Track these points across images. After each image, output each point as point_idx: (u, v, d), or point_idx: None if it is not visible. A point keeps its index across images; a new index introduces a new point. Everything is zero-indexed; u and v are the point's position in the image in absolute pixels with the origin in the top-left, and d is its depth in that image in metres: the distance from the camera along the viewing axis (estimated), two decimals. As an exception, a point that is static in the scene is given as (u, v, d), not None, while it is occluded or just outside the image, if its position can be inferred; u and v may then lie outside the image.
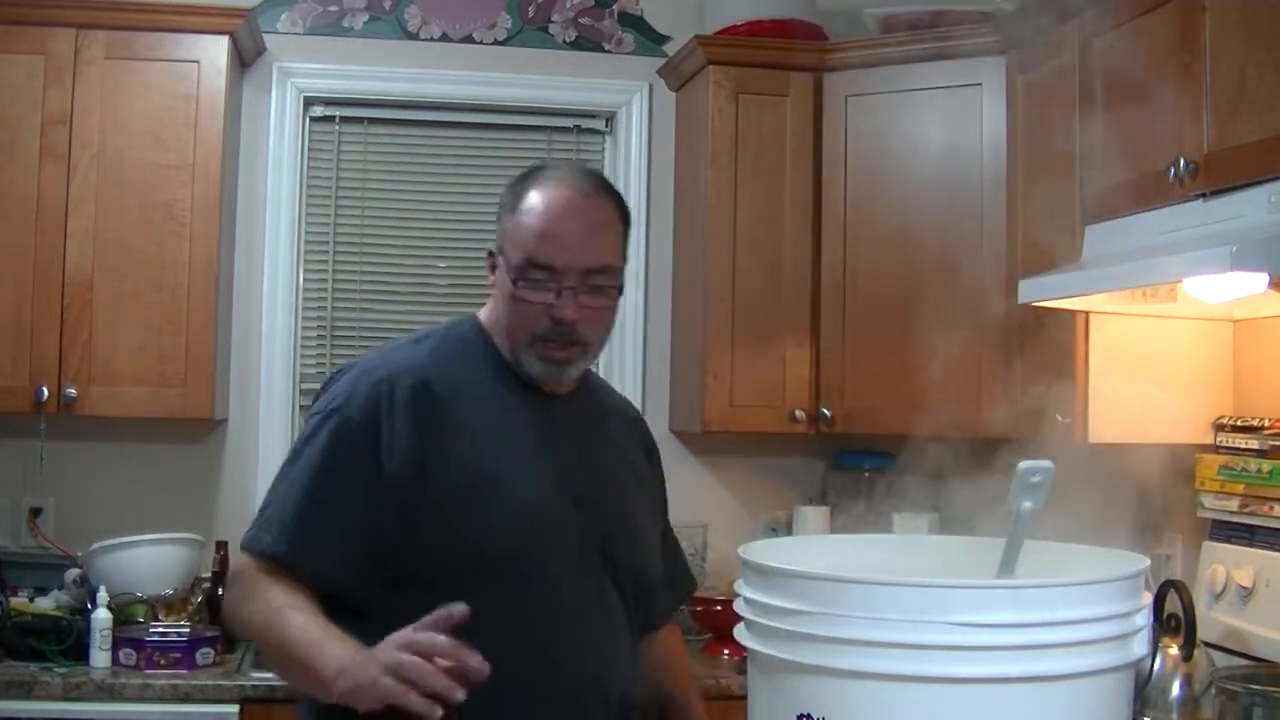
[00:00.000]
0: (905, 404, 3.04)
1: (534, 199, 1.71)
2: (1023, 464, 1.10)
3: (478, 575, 1.61)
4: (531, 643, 1.63)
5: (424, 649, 1.38)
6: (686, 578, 2.03)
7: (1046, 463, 1.10)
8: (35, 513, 3.47)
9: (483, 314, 1.83)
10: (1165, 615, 2.39)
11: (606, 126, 3.87)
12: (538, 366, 1.72)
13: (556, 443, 1.76)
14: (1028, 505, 1.12)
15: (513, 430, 1.73)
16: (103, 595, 3.06)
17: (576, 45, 3.83)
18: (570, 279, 1.67)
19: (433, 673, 1.36)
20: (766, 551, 1.14)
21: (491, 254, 1.78)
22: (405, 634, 1.41)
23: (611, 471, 1.83)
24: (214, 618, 3.28)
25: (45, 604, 3.15)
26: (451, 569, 1.62)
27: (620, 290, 1.74)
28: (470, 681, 1.36)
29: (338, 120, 3.77)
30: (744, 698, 1.18)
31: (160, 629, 3.04)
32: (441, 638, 1.38)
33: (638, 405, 2.73)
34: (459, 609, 1.39)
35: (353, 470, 1.64)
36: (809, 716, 1.03)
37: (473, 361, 1.77)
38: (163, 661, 2.99)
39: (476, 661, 1.36)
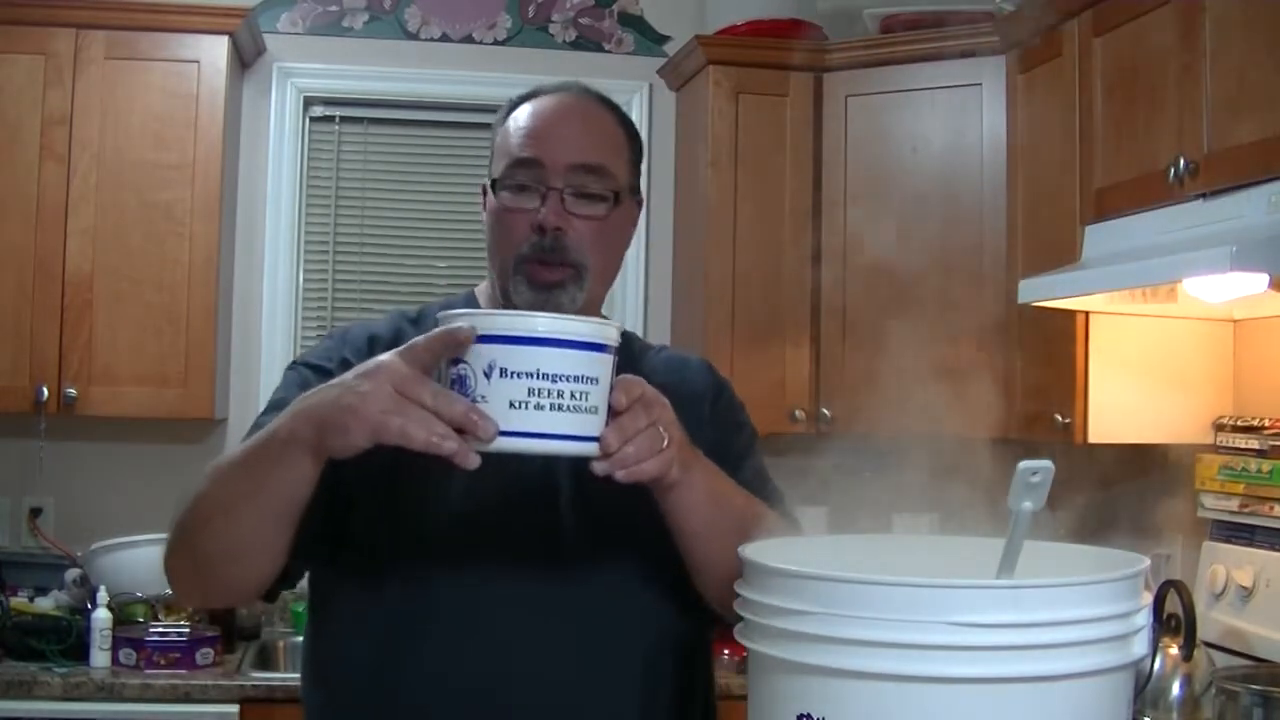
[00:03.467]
0: (905, 404, 3.04)
1: (524, 106, 1.52)
2: (1022, 464, 1.10)
3: (394, 551, 1.41)
4: (427, 637, 1.40)
5: (431, 401, 1.13)
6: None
7: (1046, 462, 1.10)
8: (35, 513, 3.48)
9: (482, 285, 1.63)
10: (1165, 615, 2.39)
11: (606, 126, 3.86)
12: (526, 294, 1.45)
13: None
14: (1027, 505, 1.11)
15: None
16: (103, 595, 3.07)
17: (576, 45, 3.83)
18: (556, 178, 1.44)
19: (447, 397, 1.13)
20: (766, 551, 1.14)
21: (485, 190, 1.56)
22: (408, 371, 1.15)
23: None
24: (214, 618, 3.28)
25: (45, 604, 3.15)
26: (371, 538, 1.41)
27: (618, 200, 1.48)
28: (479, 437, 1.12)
29: (338, 120, 3.77)
30: (744, 698, 1.18)
31: (160, 629, 3.04)
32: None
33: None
34: (466, 330, 1.13)
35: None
36: (809, 716, 1.03)
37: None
38: (163, 661, 2.99)
39: (485, 424, 1.12)
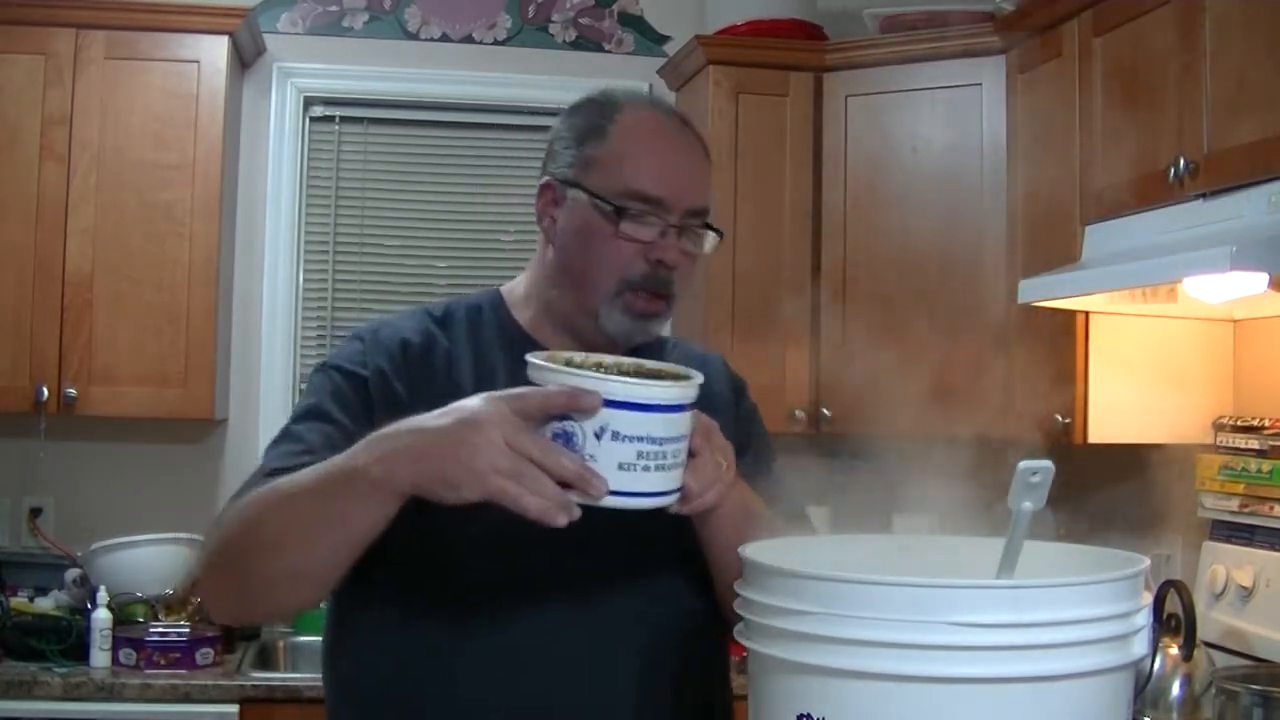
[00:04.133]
0: (905, 404, 3.04)
1: (628, 123, 1.49)
2: (1022, 463, 1.10)
3: (427, 572, 1.41)
4: (460, 656, 1.41)
5: (541, 457, 1.13)
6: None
7: (1046, 462, 1.10)
8: (35, 513, 3.47)
9: (508, 286, 1.61)
10: (1165, 615, 2.39)
11: (606, 126, 3.86)
12: (623, 323, 1.45)
13: None
14: (1027, 505, 1.11)
15: None
16: (103, 595, 3.06)
17: (576, 45, 3.83)
18: (675, 217, 1.45)
19: (557, 457, 1.13)
20: (766, 551, 1.14)
21: (551, 186, 1.50)
22: (517, 421, 1.14)
23: None
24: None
25: (45, 604, 3.15)
26: (404, 556, 1.37)
27: (721, 237, 1.52)
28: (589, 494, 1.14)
29: (338, 120, 3.77)
30: (744, 698, 1.18)
31: (160, 629, 3.04)
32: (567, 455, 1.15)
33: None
34: (593, 399, 1.13)
35: (339, 405, 1.44)
36: (809, 716, 1.03)
37: (482, 332, 1.53)
38: (162, 661, 2.99)
39: (598, 483, 1.14)
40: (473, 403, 1.17)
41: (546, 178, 1.52)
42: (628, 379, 1.16)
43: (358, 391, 1.44)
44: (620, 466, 1.15)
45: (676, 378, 1.21)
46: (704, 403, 1.26)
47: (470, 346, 1.52)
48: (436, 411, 1.19)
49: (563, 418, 1.15)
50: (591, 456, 1.14)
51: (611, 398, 1.14)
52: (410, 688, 1.42)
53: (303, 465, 1.30)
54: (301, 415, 1.45)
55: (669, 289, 1.47)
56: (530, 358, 1.20)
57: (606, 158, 1.47)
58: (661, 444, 1.16)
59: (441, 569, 1.41)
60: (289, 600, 1.36)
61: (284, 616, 1.43)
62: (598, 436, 1.14)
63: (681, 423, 1.18)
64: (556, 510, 1.13)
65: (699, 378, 1.22)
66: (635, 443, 1.15)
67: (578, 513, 1.15)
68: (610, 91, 1.57)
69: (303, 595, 1.34)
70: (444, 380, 1.46)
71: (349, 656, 1.49)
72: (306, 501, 1.26)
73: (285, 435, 1.43)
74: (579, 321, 1.49)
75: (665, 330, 1.54)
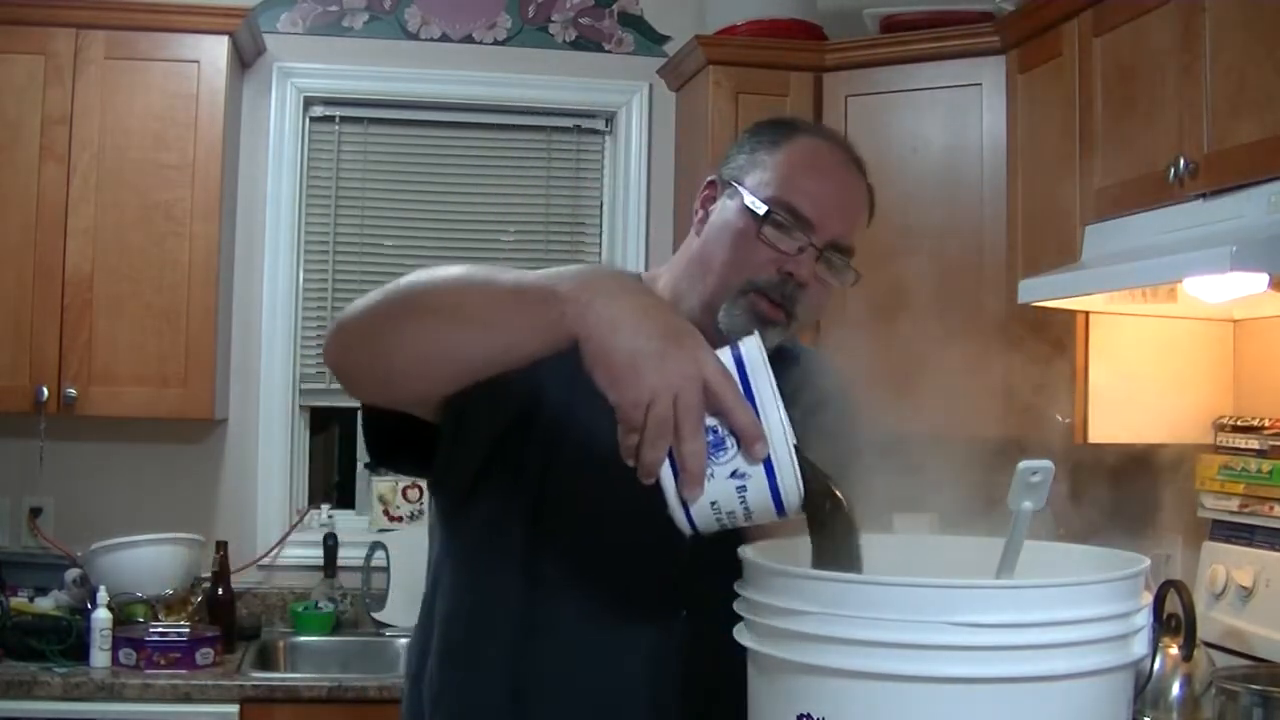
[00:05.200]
0: (905, 404, 3.04)
1: (804, 143, 1.54)
2: (1022, 463, 1.10)
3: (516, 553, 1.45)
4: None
5: (685, 431, 1.05)
6: None
7: (1046, 462, 1.10)
8: (35, 513, 3.48)
9: (650, 273, 1.63)
10: (1165, 615, 2.39)
11: (606, 126, 3.87)
12: (738, 319, 1.47)
13: None
14: (1027, 505, 1.11)
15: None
16: (103, 595, 3.07)
17: (576, 45, 3.83)
18: (818, 240, 1.49)
19: (697, 449, 1.06)
20: (766, 551, 1.14)
21: (715, 182, 1.56)
22: (700, 388, 1.07)
23: None
24: (214, 618, 3.29)
25: (45, 604, 3.15)
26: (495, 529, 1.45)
27: (857, 278, 1.56)
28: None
29: (338, 120, 3.77)
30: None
31: (160, 629, 3.05)
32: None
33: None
34: (759, 449, 1.07)
35: None
36: (809, 717, 1.03)
37: None
38: (163, 661, 2.99)
39: (696, 492, 1.07)
40: (691, 339, 1.11)
41: (714, 175, 1.57)
42: (799, 486, 1.08)
43: None
44: (713, 505, 1.09)
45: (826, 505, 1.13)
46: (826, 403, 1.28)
47: None
48: (655, 304, 1.14)
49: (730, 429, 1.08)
50: (710, 474, 1.08)
51: (772, 468, 1.07)
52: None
53: None
54: None
55: (793, 305, 1.49)
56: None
57: (772, 167, 1.52)
58: (749, 520, 1.11)
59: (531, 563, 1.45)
60: (417, 386, 1.31)
61: (411, 392, 1.30)
62: (733, 476, 1.08)
63: (768, 515, 1.11)
64: (651, 469, 1.07)
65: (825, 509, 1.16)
66: (742, 506, 1.09)
67: (649, 482, 1.08)
68: (799, 117, 1.68)
69: (431, 386, 1.29)
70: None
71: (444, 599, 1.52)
72: (490, 291, 1.19)
73: None
74: (701, 315, 1.49)
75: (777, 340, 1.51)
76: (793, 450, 1.08)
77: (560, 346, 1.13)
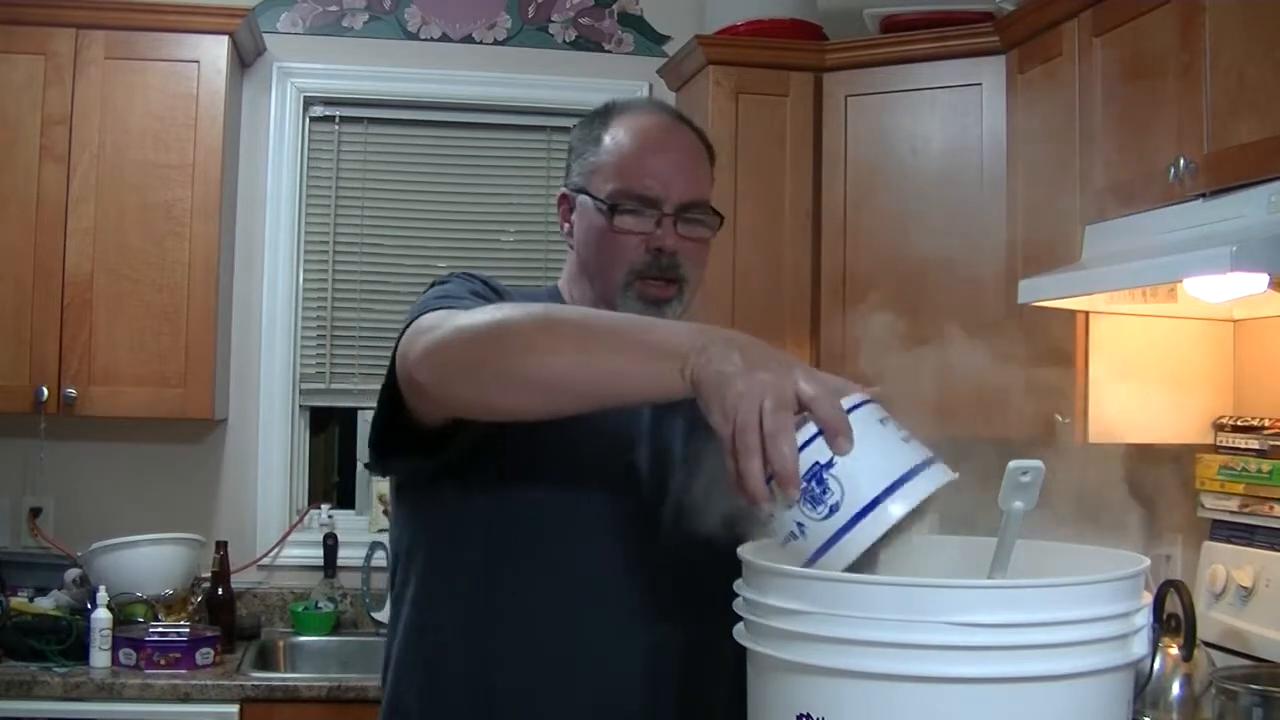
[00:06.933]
0: (905, 403, 3.04)
1: (620, 130, 1.62)
2: (1012, 463, 1.10)
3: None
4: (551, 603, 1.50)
5: (773, 439, 1.06)
6: None
7: (1037, 462, 1.10)
8: (35, 513, 3.48)
9: (560, 280, 1.71)
10: (1165, 615, 2.39)
11: (606, 126, 3.86)
12: (636, 309, 1.55)
13: (630, 412, 1.52)
14: (1018, 505, 1.11)
15: None
16: (103, 595, 3.07)
17: (576, 45, 3.83)
18: (668, 209, 1.57)
19: (785, 454, 1.05)
20: (766, 551, 1.14)
21: (565, 196, 1.66)
22: (791, 398, 1.09)
23: (692, 440, 1.47)
24: (214, 618, 3.29)
25: (45, 604, 3.15)
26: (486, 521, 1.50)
27: (720, 223, 1.62)
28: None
29: (338, 120, 3.77)
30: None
31: (160, 629, 3.05)
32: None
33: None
34: (843, 443, 1.06)
35: (490, 290, 1.56)
36: (808, 717, 1.03)
37: None
38: (162, 661, 2.99)
39: (793, 492, 1.06)
40: (783, 360, 1.16)
41: (562, 189, 1.67)
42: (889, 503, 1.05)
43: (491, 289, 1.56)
44: (790, 529, 1.06)
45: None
46: None
47: None
48: (759, 343, 1.19)
49: (827, 465, 1.05)
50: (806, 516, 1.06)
51: (842, 534, 1.04)
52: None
53: None
54: (466, 296, 1.52)
55: (675, 273, 1.58)
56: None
57: (601, 163, 1.61)
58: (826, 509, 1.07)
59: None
60: (524, 401, 1.30)
61: (489, 405, 1.31)
62: (813, 502, 1.05)
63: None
64: (758, 492, 1.07)
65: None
66: (824, 490, 1.05)
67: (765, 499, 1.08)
68: (611, 102, 1.70)
69: (538, 406, 1.30)
70: None
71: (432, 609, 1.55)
72: (614, 334, 1.24)
73: (472, 294, 1.52)
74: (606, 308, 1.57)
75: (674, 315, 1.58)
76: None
77: (674, 398, 1.18)
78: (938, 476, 1.08)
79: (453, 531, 1.54)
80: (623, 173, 1.59)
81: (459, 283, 1.60)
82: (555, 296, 1.68)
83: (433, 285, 1.63)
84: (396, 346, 1.42)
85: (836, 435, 1.05)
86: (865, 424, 1.08)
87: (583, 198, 1.62)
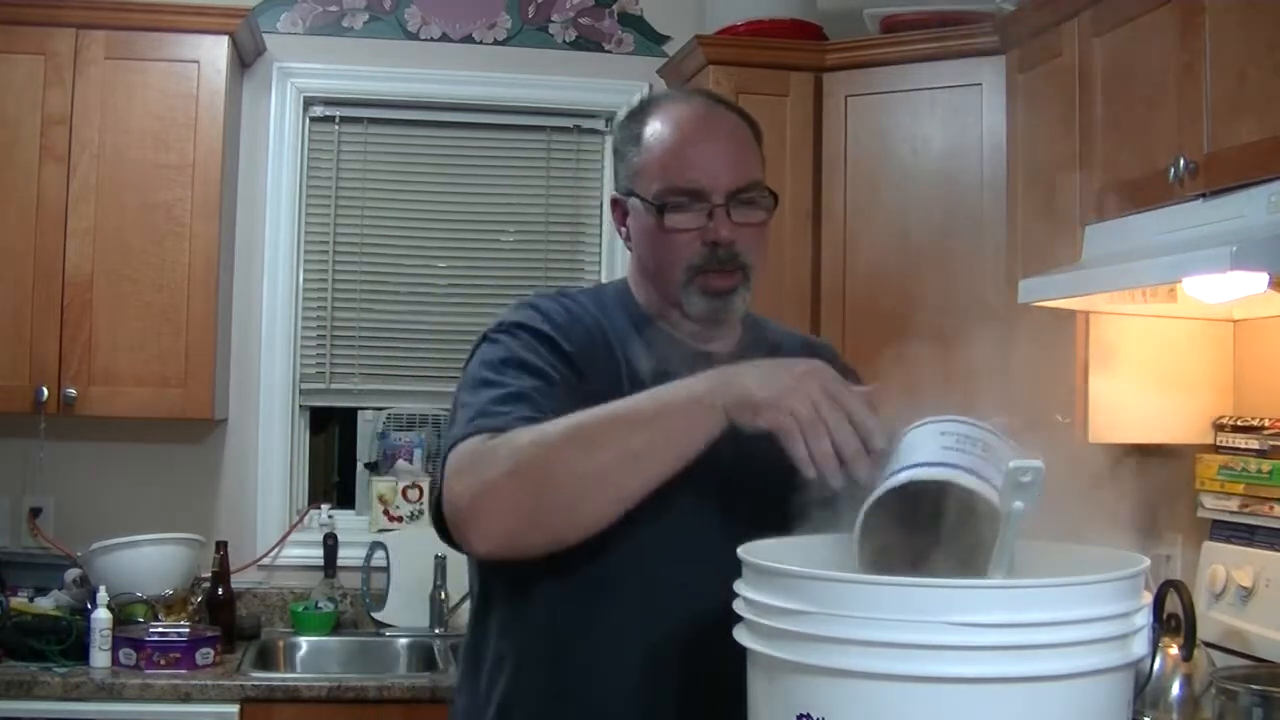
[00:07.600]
0: (905, 403, 3.04)
1: (658, 124, 1.59)
2: (1012, 463, 1.10)
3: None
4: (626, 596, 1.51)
5: (835, 425, 1.27)
6: None
7: (1037, 462, 1.10)
8: (35, 513, 3.48)
9: (627, 276, 1.70)
10: (1165, 615, 2.39)
11: (606, 126, 3.87)
12: (701, 304, 1.57)
13: None
14: (1018, 505, 1.11)
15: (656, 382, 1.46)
16: (103, 595, 3.06)
17: (576, 45, 3.83)
18: (718, 198, 1.54)
19: (848, 431, 1.27)
20: (766, 551, 1.14)
21: (616, 200, 1.65)
22: (831, 390, 1.29)
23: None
24: (214, 618, 3.29)
25: (45, 604, 3.15)
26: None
27: (776, 202, 1.60)
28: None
29: (338, 120, 3.77)
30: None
31: (160, 629, 3.05)
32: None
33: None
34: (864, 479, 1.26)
35: (536, 356, 1.53)
36: (809, 716, 1.03)
37: (617, 314, 1.63)
38: (162, 661, 2.99)
39: (865, 463, 1.27)
40: (811, 364, 1.33)
41: (613, 195, 1.66)
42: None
43: (550, 345, 1.55)
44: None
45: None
46: None
47: (609, 321, 1.62)
48: (777, 360, 1.37)
49: None
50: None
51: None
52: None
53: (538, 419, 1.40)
54: (506, 364, 1.52)
55: (735, 262, 1.56)
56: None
57: (645, 162, 1.59)
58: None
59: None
60: (588, 518, 1.37)
61: (564, 540, 1.41)
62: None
63: None
64: (830, 467, 1.25)
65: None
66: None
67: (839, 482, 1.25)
68: (648, 97, 1.69)
69: (608, 511, 1.36)
70: (603, 346, 1.58)
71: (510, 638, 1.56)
72: (638, 429, 1.34)
73: (509, 397, 1.47)
74: (669, 312, 1.61)
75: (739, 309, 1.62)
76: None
77: (715, 435, 1.32)
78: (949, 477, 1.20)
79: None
80: (666, 169, 1.56)
81: (508, 345, 1.55)
82: (623, 294, 1.67)
83: (483, 340, 1.59)
84: (440, 467, 1.45)
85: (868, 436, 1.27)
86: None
87: (633, 200, 1.60)
